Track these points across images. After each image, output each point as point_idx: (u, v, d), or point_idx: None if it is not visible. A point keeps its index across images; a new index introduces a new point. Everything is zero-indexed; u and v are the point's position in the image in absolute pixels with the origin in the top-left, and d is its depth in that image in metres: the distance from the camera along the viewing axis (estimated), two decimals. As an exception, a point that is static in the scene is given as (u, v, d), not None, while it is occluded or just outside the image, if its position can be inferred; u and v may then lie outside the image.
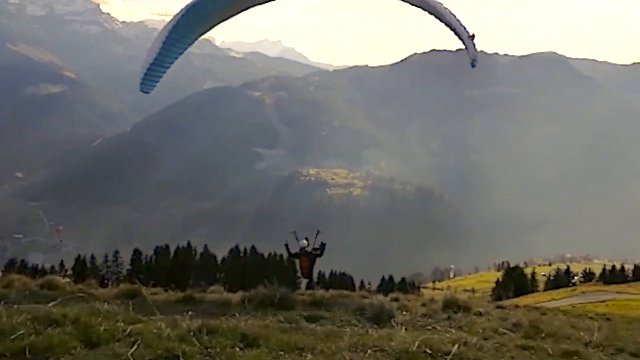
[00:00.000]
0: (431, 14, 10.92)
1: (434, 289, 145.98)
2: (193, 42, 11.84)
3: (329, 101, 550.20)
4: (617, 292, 65.44)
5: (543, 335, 6.88)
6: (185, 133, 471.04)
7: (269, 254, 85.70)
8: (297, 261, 12.63)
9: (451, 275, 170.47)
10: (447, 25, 10.60)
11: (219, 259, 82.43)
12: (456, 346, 5.23)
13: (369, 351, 5.16)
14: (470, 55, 10.30)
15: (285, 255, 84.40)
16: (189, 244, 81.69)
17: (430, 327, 7.40)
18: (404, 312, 9.62)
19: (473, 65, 10.25)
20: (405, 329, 7.29)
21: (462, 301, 11.11)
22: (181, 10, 11.01)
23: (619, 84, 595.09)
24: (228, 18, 12.12)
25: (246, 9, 12.20)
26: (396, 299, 16.52)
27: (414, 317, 8.16)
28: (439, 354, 5.07)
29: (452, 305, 11.00)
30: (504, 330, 7.18)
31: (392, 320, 7.56)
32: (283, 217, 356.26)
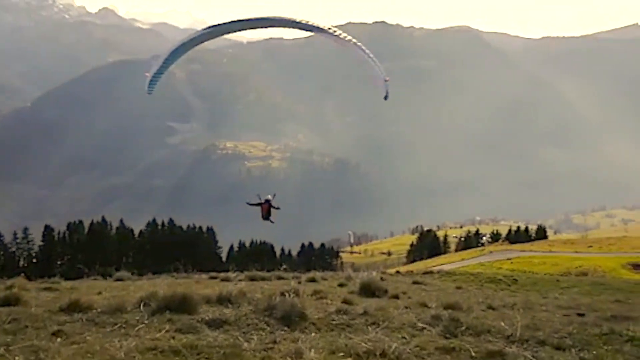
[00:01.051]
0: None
1: (351, 252, 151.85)
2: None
3: (244, 74, 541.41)
4: (521, 251, 70.45)
5: (463, 328, 6.51)
6: (91, 108, 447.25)
7: (187, 226, 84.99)
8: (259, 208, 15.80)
9: (351, 240, 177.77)
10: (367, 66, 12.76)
11: (136, 232, 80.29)
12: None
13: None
14: (383, 91, 12.53)
15: (205, 227, 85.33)
16: (103, 219, 79.56)
17: (345, 327, 6.80)
18: (319, 299, 9.08)
19: (386, 98, 12.37)
20: (319, 330, 6.68)
21: (377, 286, 10.74)
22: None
23: (528, 57, 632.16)
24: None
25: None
26: (313, 279, 16.11)
27: (328, 315, 7.52)
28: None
29: (368, 290, 10.63)
30: (422, 325, 6.74)
31: (302, 325, 6.85)
32: (200, 190, 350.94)
